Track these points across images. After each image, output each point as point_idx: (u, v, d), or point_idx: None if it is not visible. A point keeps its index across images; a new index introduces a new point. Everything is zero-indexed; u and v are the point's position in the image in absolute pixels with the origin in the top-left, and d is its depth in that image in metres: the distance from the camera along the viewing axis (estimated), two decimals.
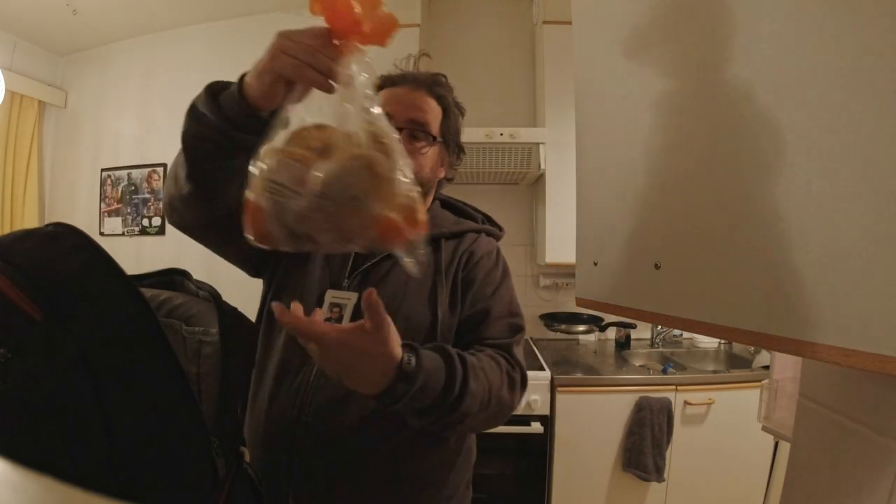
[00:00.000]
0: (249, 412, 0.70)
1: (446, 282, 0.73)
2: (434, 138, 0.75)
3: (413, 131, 0.73)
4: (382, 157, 0.41)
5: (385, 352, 0.48)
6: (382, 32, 0.44)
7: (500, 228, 0.88)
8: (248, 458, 0.56)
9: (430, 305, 0.71)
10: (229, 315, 0.54)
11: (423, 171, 0.75)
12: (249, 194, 0.43)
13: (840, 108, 0.27)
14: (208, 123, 0.51)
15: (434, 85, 0.78)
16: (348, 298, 0.69)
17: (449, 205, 0.87)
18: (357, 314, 0.66)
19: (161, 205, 2.51)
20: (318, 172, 0.40)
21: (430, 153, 0.76)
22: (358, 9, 0.42)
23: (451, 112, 0.80)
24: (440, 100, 0.78)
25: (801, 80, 0.30)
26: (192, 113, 0.53)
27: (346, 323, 0.66)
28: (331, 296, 0.70)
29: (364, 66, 0.44)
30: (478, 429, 0.69)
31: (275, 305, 0.46)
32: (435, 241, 0.76)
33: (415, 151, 0.73)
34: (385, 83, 0.77)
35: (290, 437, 0.65)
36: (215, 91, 0.53)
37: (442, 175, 0.81)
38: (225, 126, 0.51)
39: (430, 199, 0.81)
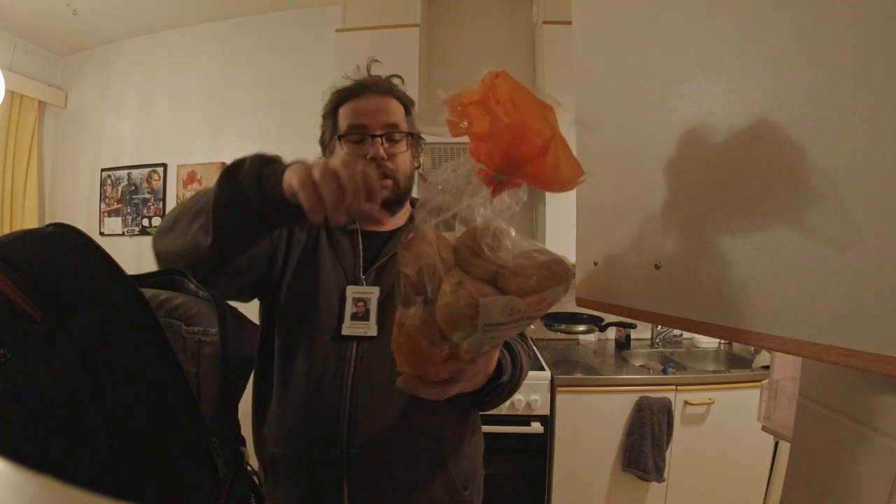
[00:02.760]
0: (280, 418, 0.72)
1: None
2: (409, 135, 0.80)
3: (391, 135, 0.78)
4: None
5: (490, 369, 0.58)
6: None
7: None
8: (248, 458, 0.56)
9: None
10: (229, 315, 0.54)
11: (406, 168, 0.80)
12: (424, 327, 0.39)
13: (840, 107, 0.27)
14: (248, 200, 0.51)
15: (391, 86, 0.82)
16: (370, 293, 0.74)
17: None
18: (381, 306, 0.73)
19: (161, 206, 2.51)
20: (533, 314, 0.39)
21: (407, 151, 0.81)
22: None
23: (409, 106, 0.84)
24: (399, 98, 0.82)
25: (800, 86, 0.30)
26: (232, 182, 0.52)
27: (373, 315, 0.72)
28: (352, 292, 0.74)
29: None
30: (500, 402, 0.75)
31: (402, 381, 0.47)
32: None
33: (396, 154, 0.78)
34: (344, 97, 0.80)
35: (346, 431, 0.68)
36: (259, 165, 0.52)
37: (417, 165, 0.86)
38: (266, 208, 0.51)
39: (412, 190, 0.87)
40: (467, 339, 0.38)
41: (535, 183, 0.39)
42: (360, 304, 0.73)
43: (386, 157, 0.76)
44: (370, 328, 0.71)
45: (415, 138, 0.84)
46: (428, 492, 0.71)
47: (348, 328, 0.71)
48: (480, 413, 0.84)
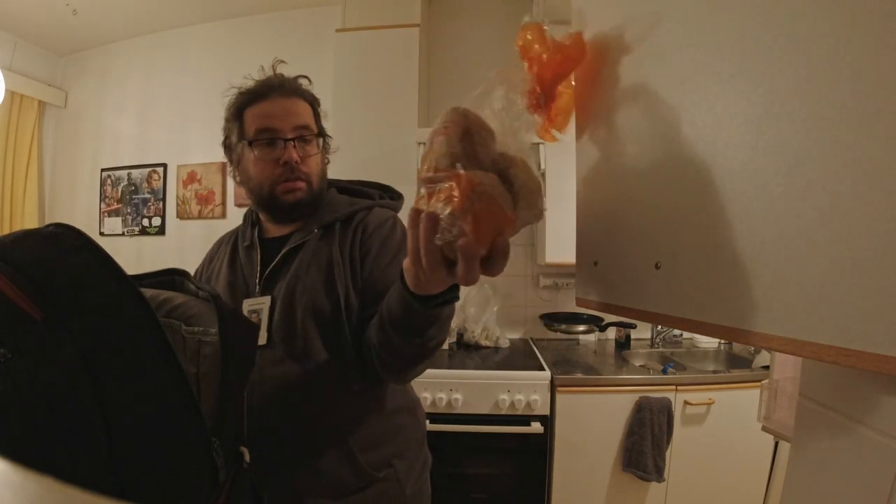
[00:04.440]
0: None
1: (343, 261, 0.77)
2: (319, 135, 0.81)
3: (303, 137, 0.78)
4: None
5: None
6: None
7: (399, 197, 0.93)
8: (247, 458, 0.56)
9: (330, 289, 0.75)
10: (229, 315, 0.54)
11: (318, 170, 0.80)
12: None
13: (840, 107, 0.27)
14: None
15: (298, 87, 0.81)
16: (262, 303, 0.76)
17: (346, 189, 0.89)
18: (271, 316, 0.74)
19: (161, 206, 2.50)
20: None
21: (319, 152, 0.81)
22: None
23: (315, 104, 0.84)
24: (307, 99, 0.82)
25: (792, 87, 0.30)
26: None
27: (264, 325, 0.73)
28: (247, 305, 0.76)
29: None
30: (416, 372, 0.72)
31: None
32: (330, 227, 0.80)
33: (309, 156, 0.78)
34: (250, 99, 0.79)
35: (247, 432, 0.69)
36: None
37: (327, 162, 0.87)
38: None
39: (325, 188, 0.86)
40: (525, 215, 0.41)
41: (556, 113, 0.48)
42: (254, 314, 0.75)
43: (299, 160, 0.76)
44: (260, 337, 0.73)
45: (324, 139, 0.84)
46: (335, 480, 0.73)
47: None
48: (469, 412, 0.84)
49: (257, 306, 0.75)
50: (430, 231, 0.37)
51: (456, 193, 0.36)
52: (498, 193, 0.38)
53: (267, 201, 0.79)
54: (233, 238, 0.88)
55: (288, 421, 0.72)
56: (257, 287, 0.78)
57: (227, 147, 0.82)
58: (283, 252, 0.78)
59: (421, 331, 0.58)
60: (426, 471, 0.88)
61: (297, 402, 0.72)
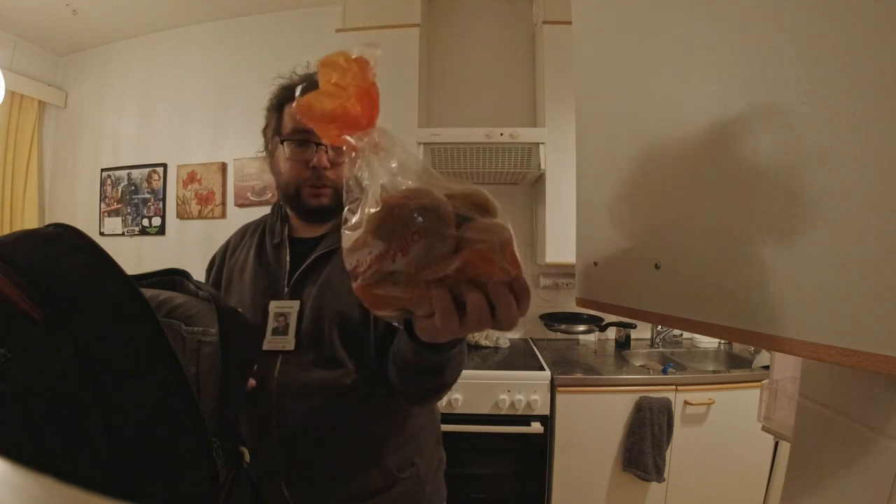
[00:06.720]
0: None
1: None
2: None
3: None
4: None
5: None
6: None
7: None
8: (247, 458, 0.56)
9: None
10: (229, 315, 0.54)
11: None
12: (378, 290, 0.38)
13: (843, 106, 0.27)
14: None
15: None
16: (291, 307, 0.75)
17: None
18: (300, 321, 0.74)
19: (161, 206, 2.50)
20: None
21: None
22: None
23: None
24: None
25: (792, 85, 0.30)
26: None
27: (291, 329, 0.73)
28: (274, 307, 0.75)
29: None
30: (435, 399, 0.77)
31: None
32: None
33: (340, 164, 0.77)
34: (291, 96, 0.77)
35: (276, 434, 0.72)
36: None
37: None
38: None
39: None
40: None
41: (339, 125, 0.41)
42: (281, 318, 0.74)
43: (329, 166, 0.76)
44: (288, 342, 0.73)
45: None
46: (361, 481, 0.74)
47: (268, 343, 0.73)
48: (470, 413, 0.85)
49: (285, 310, 0.75)
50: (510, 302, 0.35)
51: (503, 265, 0.34)
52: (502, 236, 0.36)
53: (292, 200, 0.79)
54: (259, 230, 0.87)
55: (315, 426, 0.72)
56: (286, 289, 0.77)
57: (265, 135, 0.83)
58: (313, 256, 0.78)
59: (438, 372, 0.58)
60: (441, 469, 0.88)
61: (324, 407, 0.72)
